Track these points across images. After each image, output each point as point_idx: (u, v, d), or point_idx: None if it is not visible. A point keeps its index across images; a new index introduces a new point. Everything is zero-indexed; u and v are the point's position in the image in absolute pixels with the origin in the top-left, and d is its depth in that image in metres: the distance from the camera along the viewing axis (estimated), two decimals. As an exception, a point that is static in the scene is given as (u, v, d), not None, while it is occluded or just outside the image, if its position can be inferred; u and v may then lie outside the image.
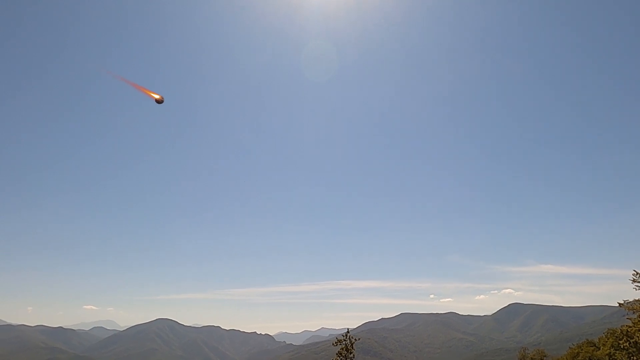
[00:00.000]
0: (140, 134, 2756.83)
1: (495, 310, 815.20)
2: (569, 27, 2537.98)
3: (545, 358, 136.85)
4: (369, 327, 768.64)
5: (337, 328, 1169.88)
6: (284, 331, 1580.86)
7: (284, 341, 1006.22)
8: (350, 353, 61.39)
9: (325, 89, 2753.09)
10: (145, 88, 25.76)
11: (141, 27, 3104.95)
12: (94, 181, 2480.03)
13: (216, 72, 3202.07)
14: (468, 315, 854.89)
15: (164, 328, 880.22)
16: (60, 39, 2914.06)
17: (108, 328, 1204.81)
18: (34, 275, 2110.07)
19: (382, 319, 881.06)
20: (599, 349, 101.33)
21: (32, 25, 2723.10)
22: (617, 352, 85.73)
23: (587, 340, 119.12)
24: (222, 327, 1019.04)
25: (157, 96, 25.81)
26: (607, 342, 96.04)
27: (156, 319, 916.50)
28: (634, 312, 72.44)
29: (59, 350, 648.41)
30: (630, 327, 75.80)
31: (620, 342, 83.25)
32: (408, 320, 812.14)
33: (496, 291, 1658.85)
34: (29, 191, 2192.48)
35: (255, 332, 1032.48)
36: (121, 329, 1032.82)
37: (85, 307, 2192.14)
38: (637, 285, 69.56)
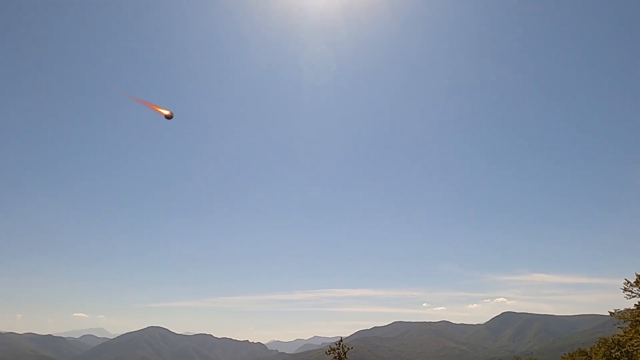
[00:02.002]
0: (134, 138, 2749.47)
1: (488, 319, 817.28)
2: (565, 34, 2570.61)
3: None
4: (361, 335, 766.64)
5: (330, 336, 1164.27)
6: (277, 339, 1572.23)
7: (276, 350, 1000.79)
8: (343, 362, 61.27)
9: (323, 92, 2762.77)
10: (154, 105, 25.72)
11: (137, 32, 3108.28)
12: (84, 186, 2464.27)
13: (214, 75, 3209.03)
14: (461, 324, 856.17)
15: (155, 336, 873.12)
16: (59, 40, 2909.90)
17: (98, 336, 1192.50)
18: (23, 281, 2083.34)
19: (375, 327, 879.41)
20: (591, 358, 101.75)
21: (34, 26, 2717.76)
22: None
23: (579, 349, 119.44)
24: (214, 336, 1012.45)
25: (166, 112, 25.73)
26: (599, 351, 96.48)
27: (147, 327, 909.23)
28: (625, 321, 72.87)
29: (48, 358, 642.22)
30: (621, 336, 76.28)
31: (612, 351, 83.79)
32: (401, 328, 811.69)
33: (489, 300, 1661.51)
34: (17, 195, 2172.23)
35: (247, 340, 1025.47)
36: (112, 337, 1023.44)
37: (75, 314, 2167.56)
38: (628, 294, 70.03)
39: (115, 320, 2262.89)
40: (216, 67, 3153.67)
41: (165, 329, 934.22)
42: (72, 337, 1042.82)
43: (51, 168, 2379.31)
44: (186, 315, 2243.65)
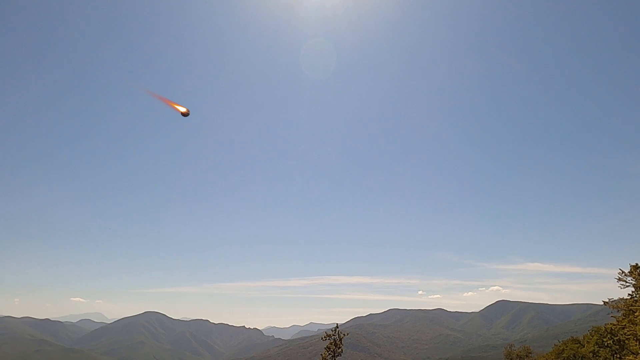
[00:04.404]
0: (133, 123, 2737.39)
1: (483, 307, 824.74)
2: (569, 26, 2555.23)
3: (530, 355, 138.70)
4: (357, 322, 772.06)
5: (326, 323, 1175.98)
6: (273, 325, 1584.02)
7: (273, 335, 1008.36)
8: (339, 348, 61.77)
9: (323, 86, 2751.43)
10: (172, 101, 25.29)
11: (137, 25, 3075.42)
12: (83, 171, 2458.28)
13: (214, 69, 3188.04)
14: (456, 311, 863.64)
15: (153, 321, 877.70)
16: (61, 39, 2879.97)
17: (96, 320, 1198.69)
18: (21, 266, 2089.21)
19: (371, 314, 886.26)
20: (584, 346, 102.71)
21: (54, 24, 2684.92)
22: (601, 349, 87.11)
23: (572, 337, 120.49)
24: (211, 321, 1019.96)
25: (183, 109, 25.32)
26: (591, 339, 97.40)
27: (144, 312, 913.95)
28: (618, 311, 73.48)
29: (46, 342, 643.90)
30: (614, 325, 76.94)
31: (604, 339, 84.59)
32: (396, 316, 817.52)
33: (484, 288, 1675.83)
34: (15, 179, 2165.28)
35: (243, 326, 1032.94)
36: (109, 322, 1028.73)
37: (73, 299, 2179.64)
38: (622, 284, 70.45)
39: (112, 305, 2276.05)
40: (214, 59, 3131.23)
41: (162, 314, 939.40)
42: (70, 322, 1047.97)
43: (49, 154, 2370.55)
44: (183, 301, 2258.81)
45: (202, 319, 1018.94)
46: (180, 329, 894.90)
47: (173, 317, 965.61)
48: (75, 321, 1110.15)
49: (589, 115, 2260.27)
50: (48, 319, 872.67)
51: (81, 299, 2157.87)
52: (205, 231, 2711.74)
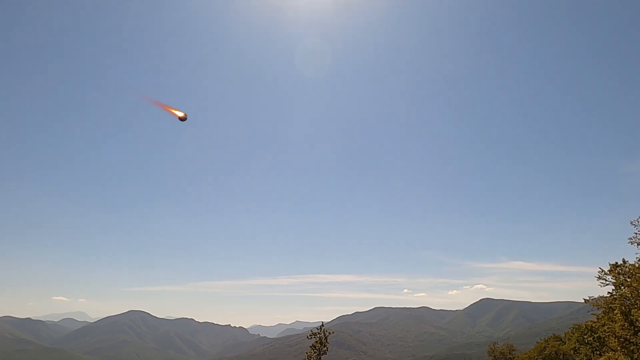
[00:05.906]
0: (119, 122, 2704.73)
1: (467, 305, 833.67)
2: (566, 29, 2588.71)
3: (513, 352, 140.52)
4: (343, 320, 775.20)
5: (311, 321, 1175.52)
6: (258, 324, 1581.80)
7: (258, 334, 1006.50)
8: (324, 346, 61.76)
9: (318, 85, 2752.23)
10: (168, 106, 25.20)
11: (130, 25, 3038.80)
12: (66, 169, 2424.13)
13: (210, 69, 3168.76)
14: (441, 309, 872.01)
15: (136, 320, 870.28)
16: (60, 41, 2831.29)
17: (78, 320, 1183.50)
18: (1, 264, 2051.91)
19: (357, 312, 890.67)
20: (565, 343, 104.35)
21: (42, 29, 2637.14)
22: (582, 346, 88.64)
23: (554, 335, 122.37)
24: (196, 320, 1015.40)
25: (180, 114, 25.22)
26: (572, 337, 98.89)
27: (128, 311, 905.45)
28: (598, 308, 74.75)
29: (27, 341, 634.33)
30: (594, 322, 78.36)
31: (585, 336, 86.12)
32: (382, 314, 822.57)
33: (468, 287, 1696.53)
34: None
35: (229, 325, 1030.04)
36: (92, 321, 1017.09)
37: (55, 298, 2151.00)
38: (602, 282, 71.67)
39: (95, 304, 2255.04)
40: (211, 59, 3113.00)
41: (146, 313, 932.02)
42: (52, 321, 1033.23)
43: (32, 152, 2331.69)
44: (168, 300, 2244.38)
45: (187, 318, 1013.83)
46: (164, 328, 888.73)
47: (157, 316, 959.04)
48: (57, 320, 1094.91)
49: (579, 115, 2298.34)
50: (29, 318, 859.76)
51: (63, 298, 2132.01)
52: (191, 229, 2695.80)
